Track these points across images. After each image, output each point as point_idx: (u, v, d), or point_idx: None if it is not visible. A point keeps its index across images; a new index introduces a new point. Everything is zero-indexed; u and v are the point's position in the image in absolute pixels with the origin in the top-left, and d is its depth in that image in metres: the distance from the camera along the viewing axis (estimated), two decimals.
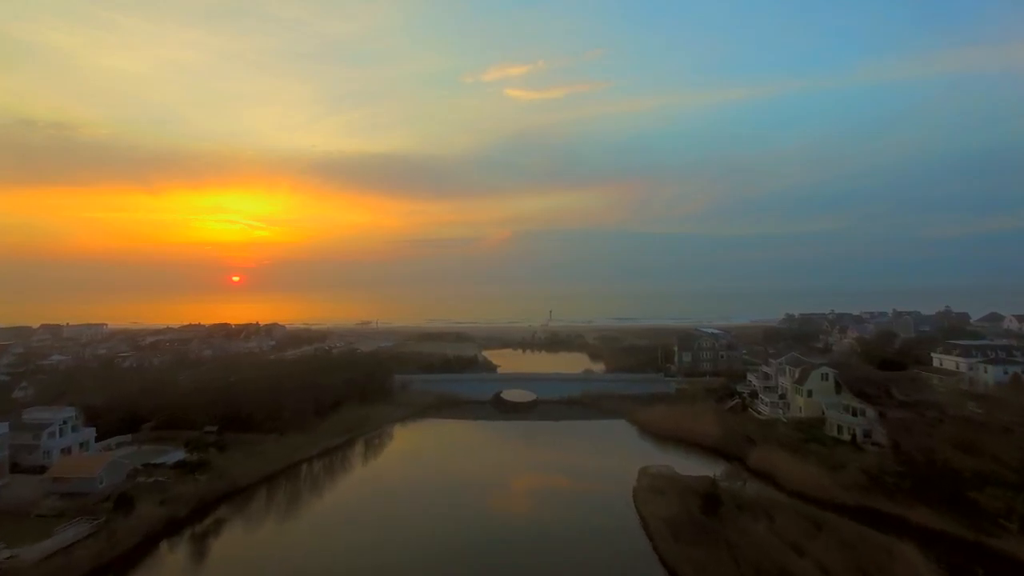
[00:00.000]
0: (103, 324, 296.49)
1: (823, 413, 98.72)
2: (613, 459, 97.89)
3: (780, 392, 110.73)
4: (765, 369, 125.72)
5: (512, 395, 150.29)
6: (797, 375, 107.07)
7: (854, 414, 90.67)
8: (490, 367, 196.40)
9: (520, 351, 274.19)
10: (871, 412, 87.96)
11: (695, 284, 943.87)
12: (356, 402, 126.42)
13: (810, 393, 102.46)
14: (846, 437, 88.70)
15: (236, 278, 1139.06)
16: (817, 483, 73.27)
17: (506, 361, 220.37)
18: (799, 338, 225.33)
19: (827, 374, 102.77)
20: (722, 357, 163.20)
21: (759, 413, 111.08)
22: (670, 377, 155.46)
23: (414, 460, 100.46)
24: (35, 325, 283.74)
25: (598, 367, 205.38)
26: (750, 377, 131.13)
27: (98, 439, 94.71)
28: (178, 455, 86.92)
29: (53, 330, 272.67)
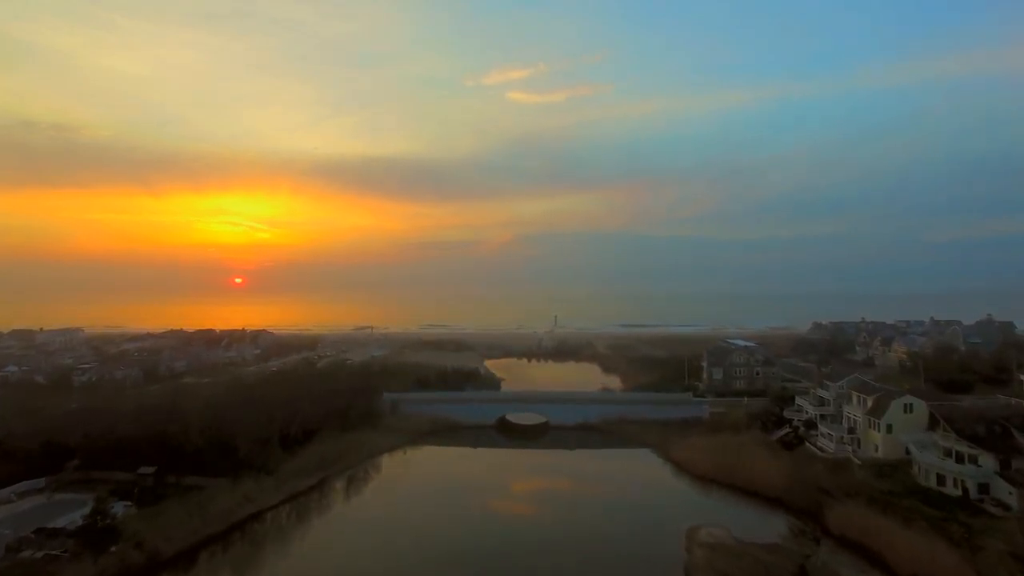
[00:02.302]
0: (79, 329, 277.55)
1: (907, 454, 79.26)
2: (646, 510, 78.58)
3: (848, 425, 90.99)
4: (821, 393, 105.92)
5: (519, 418, 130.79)
6: (870, 404, 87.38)
7: (960, 460, 70.89)
8: (493, 381, 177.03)
9: (526, 360, 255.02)
10: (988, 459, 68.19)
11: (699, 287, 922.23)
12: (337, 428, 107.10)
13: (889, 428, 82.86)
14: (952, 491, 68.97)
15: (239, 280, 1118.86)
16: (943, 568, 53.36)
17: (511, 374, 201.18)
18: (833, 350, 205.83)
19: (911, 404, 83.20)
20: (758, 374, 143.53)
21: (821, 450, 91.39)
22: (700, 398, 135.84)
23: (400, 508, 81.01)
24: (6, 330, 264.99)
25: (612, 380, 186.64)
26: (800, 402, 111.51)
27: (3, 483, 75.71)
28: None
29: (24, 336, 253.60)
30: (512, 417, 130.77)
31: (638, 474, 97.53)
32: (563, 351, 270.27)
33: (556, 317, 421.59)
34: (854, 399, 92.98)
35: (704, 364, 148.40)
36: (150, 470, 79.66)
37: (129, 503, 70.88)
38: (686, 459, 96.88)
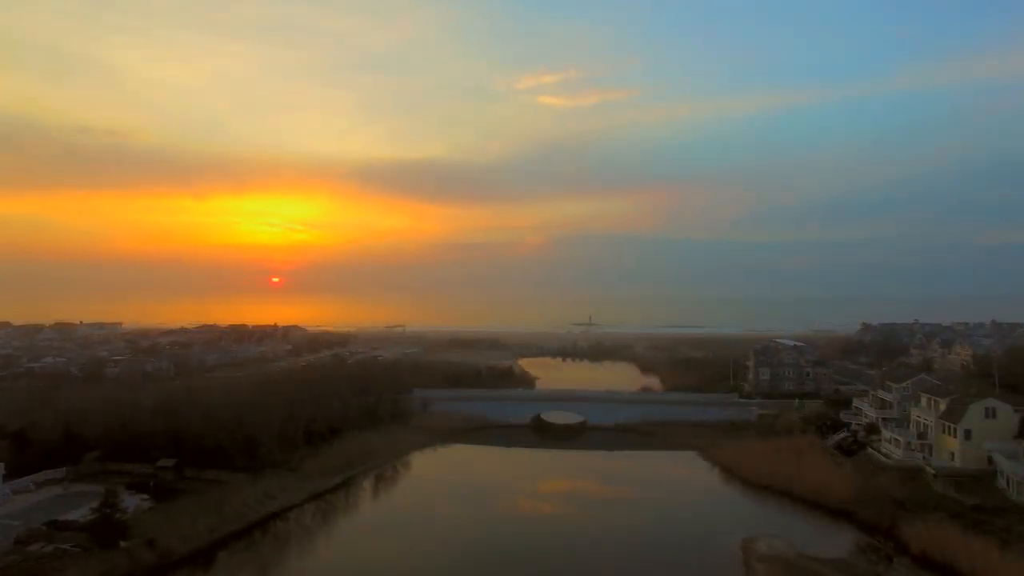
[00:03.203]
0: (118, 323, 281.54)
1: (991, 464, 71.31)
2: (696, 517, 72.19)
3: (918, 429, 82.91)
4: (883, 395, 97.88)
5: (555, 417, 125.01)
6: (944, 408, 79.26)
7: None
8: (528, 380, 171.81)
9: (560, 360, 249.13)
10: None
11: (734, 290, 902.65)
12: (365, 425, 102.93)
13: (968, 434, 74.68)
14: None
15: (276, 279, 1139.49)
16: None
17: (545, 372, 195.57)
18: (885, 352, 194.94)
19: (993, 409, 74.87)
20: (808, 375, 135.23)
21: (887, 456, 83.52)
22: (746, 399, 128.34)
23: (429, 510, 76.09)
24: (48, 323, 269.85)
25: (651, 381, 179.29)
26: (858, 404, 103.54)
27: (24, 472, 73.24)
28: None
29: (65, 329, 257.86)
30: (548, 416, 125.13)
31: (684, 478, 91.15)
32: (599, 351, 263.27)
33: (591, 317, 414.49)
34: (923, 401, 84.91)
35: (751, 364, 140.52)
36: (170, 463, 76.52)
37: (146, 496, 67.56)
38: (736, 463, 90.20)
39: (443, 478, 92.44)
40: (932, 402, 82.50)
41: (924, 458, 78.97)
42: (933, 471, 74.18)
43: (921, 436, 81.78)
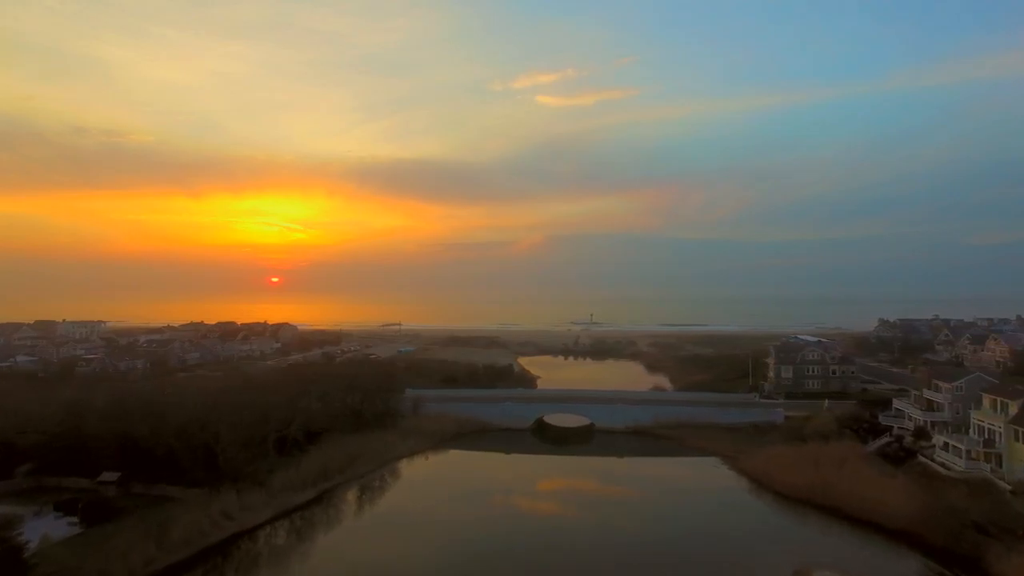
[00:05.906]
0: (102, 322, 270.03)
1: None
2: (730, 537, 61.25)
3: (983, 436, 71.90)
4: (930, 395, 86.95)
5: (559, 419, 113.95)
6: (1015, 411, 68.32)
7: None
8: (528, 380, 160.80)
9: (562, 358, 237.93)
10: None
11: (732, 290, 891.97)
12: (348, 429, 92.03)
13: None
14: None
15: (275, 279, 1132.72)
16: None
17: (546, 372, 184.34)
18: (907, 349, 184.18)
19: None
20: (834, 374, 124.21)
21: (944, 466, 72.56)
22: (767, 399, 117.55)
23: (421, 527, 65.07)
24: (30, 321, 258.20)
25: (660, 380, 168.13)
26: (900, 405, 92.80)
27: None
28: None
29: (46, 327, 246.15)
30: (551, 419, 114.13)
31: (708, 489, 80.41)
32: (602, 349, 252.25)
33: (592, 315, 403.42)
34: (986, 403, 73.98)
35: (771, 361, 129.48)
36: (113, 477, 65.47)
37: (75, 519, 56.57)
38: (766, 472, 79.42)
39: (436, 487, 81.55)
40: (999, 404, 71.56)
41: (992, 469, 68.17)
42: (1009, 486, 63.27)
43: (987, 443, 70.83)
